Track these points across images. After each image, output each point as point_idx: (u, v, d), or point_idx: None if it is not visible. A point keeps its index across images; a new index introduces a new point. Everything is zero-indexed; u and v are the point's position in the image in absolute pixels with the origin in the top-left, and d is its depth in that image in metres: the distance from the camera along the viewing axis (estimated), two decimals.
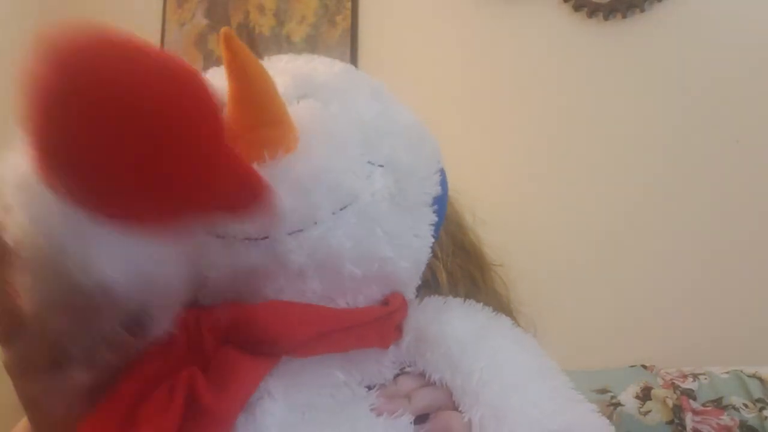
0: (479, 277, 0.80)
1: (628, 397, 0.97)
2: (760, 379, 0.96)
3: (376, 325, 0.46)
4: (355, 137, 0.44)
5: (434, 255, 0.75)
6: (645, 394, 0.97)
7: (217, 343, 0.41)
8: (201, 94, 0.34)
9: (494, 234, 0.84)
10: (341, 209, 0.42)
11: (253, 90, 0.39)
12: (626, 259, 1.23)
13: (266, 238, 0.40)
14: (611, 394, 0.99)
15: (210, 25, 1.79)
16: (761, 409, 0.92)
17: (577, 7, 1.33)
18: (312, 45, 1.65)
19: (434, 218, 0.49)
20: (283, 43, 1.68)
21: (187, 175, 0.33)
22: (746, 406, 0.93)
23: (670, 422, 0.93)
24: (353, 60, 1.58)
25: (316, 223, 0.41)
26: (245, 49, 0.39)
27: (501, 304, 0.81)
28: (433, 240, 0.50)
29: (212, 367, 0.39)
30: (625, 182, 1.26)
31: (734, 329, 1.12)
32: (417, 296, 0.73)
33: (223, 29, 0.38)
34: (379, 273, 0.45)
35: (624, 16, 1.29)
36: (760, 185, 1.16)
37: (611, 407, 0.97)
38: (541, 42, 1.37)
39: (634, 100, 1.27)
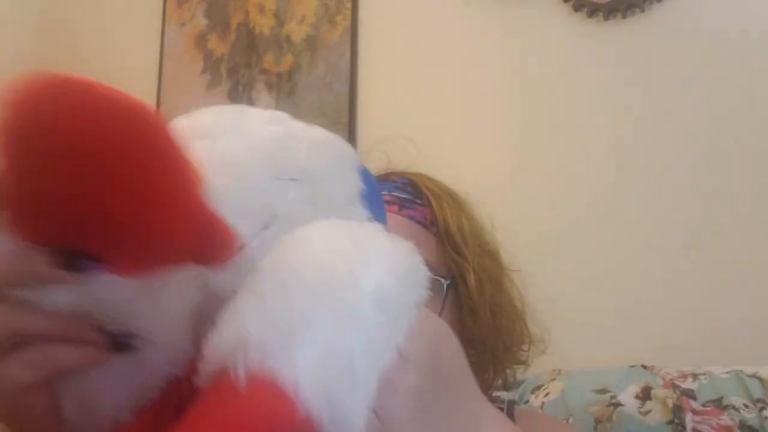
0: (502, 280, 0.80)
1: (628, 397, 0.97)
2: (760, 380, 0.96)
3: None
4: (257, 158, 0.43)
5: (463, 257, 0.76)
6: (645, 394, 0.97)
7: None
8: (154, 139, 0.32)
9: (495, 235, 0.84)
10: (263, 229, 0.41)
11: None
12: (626, 259, 1.23)
13: (206, 284, 0.39)
14: (611, 394, 0.99)
15: (210, 25, 1.79)
16: (761, 410, 0.92)
17: (577, 7, 1.33)
18: (312, 45, 1.65)
19: (366, 214, 0.49)
20: (283, 44, 1.68)
21: (149, 222, 0.32)
22: (746, 406, 0.93)
23: (670, 422, 0.93)
24: (353, 60, 1.58)
25: (241, 247, 0.39)
26: None
27: (516, 309, 0.82)
28: None
29: None
30: (625, 182, 1.26)
31: (734, 329, 1.12)
32: (446, 296, 0.73)
33: None
34: None
35: (624, 16, 1.29)
36: (760, 185, 1.16)
37: (611, 407, 0.97)
38: (541, 42, 1.37)
39: (634, 100, 1.27)
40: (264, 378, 0.32)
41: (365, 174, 0.51)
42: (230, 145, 0.43)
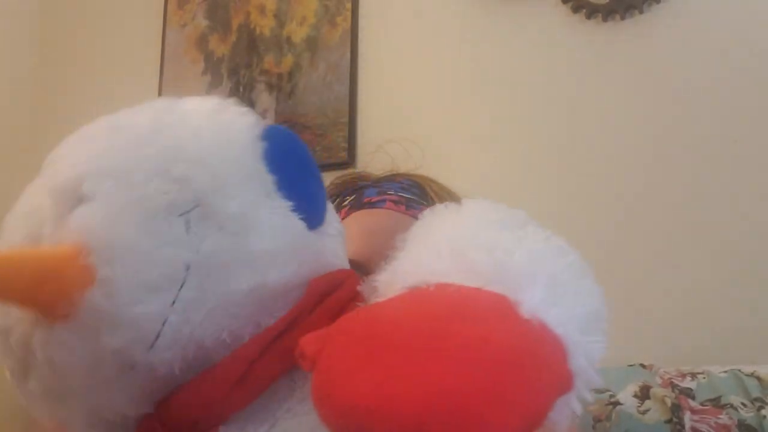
0: None
1: (626, 396, 0.97)
2: (759, 379, 0.96)
3: (299, 331, 0.41)
4: (148, 205, 0.38)
5: None
6: (644, 393, 0.97)
7: None
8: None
9: None
10: (179, 289, 0.38)
11: None
12: (625, 259, 1.23)
13: (133, 366, 0.38)
14: (610, 393, 0.99)
15: (210, 26, 1.80)
16: (759, 408, 0.92)
17: (576, 9, 1.33)
18: (312, 46, 1.65)
19: (287, 203, 0.43)
20: (283, 44, 1.69)
21: None
22: (744, 405, 0.93)
23: (669, 421, 0.93)
24: (353, 60, 1.59)
25: (164, 322, 0.37)
26: None
27: None
28: (298, 217, 0.43)
29: None
30: (624, 182, 1.26)
31: (733, 329, 1.13)
32: None
33: None
34: (260, 297, 0.41)
35: (623, 18, 1.29)
36: (759, 185, 1.16)
37: (610, 406, 0.97)
38: (540, 43, 1.38)
39: (633, 101, 1.27)
40: (542, 320, 0.32)
41: (272, 152, 0.44)
42: (111, 205, 0.38)
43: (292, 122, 1.58)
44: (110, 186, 0.38)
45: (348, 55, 1.59)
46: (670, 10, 1.26)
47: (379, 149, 0.93)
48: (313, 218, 0.45)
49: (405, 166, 0.89)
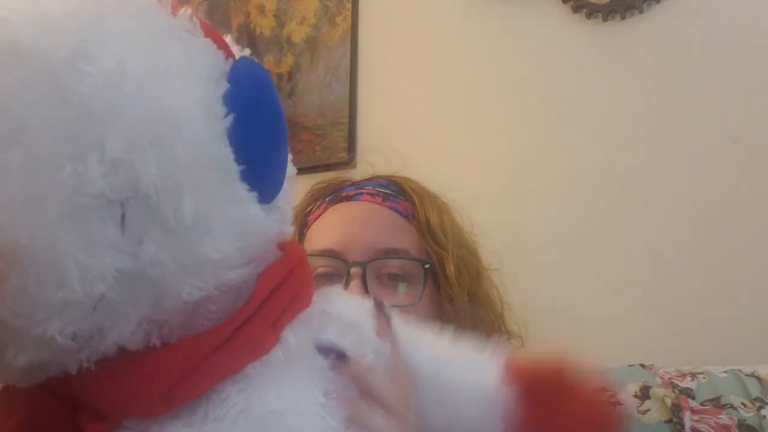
0: (480, 274, 0.83)
1: (626, 396, 0.98)
2: (759, 378, 0.96)
3: (236, 341, 0.36)
4: (73, 191, 0.28)
5: (443, 248, 0.78)
6: (643, 393, 0.97)
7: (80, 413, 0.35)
8: None
9: (491, 233, 0.85)
10: (104, 296, 0.30)
11: None
12: (625, 259, 1.23)
13: (40, 367, 0.33)
14: (609, 393, 0.99)
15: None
16: (759, 408, 0.92)
17: (576, 8, 1.33)
18: (312, 46, 1.65)
19: (247, 194, 0.34)
20: (283, 44, 1.69)
21: None
22: (744, 405, 0.93)
23: (669, 421, 0.93)
24: (353, 61, 1.59)
25: (78, 331, 0.30)
26: None
27: (494, 307, 0.84)
28: (257, 215, 0.35)
29: None
30: (623, 182, 1.26)
31: (733, 329, 1.13)
32: (425, 280, 0.75)
33: None
34: (201, 304, 0.35)
35: (623, 17, 1.29)
36: (759, 185, 1.16)
37: None
38: (540, 43, 1.38)
39: (633, 101, 1.27)
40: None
41: (240, 128, 0.32)
42: (16, 180, 0.27)
43: (292, 122, 1.58)
44: (18, 157, 0.27)
45: (348, 55, 1.59)
46: (670, 10, 1.26)
47: (362, 159, 0.96)
48: (271, 196, 0.37)
49: (385, 172, 0.92)
